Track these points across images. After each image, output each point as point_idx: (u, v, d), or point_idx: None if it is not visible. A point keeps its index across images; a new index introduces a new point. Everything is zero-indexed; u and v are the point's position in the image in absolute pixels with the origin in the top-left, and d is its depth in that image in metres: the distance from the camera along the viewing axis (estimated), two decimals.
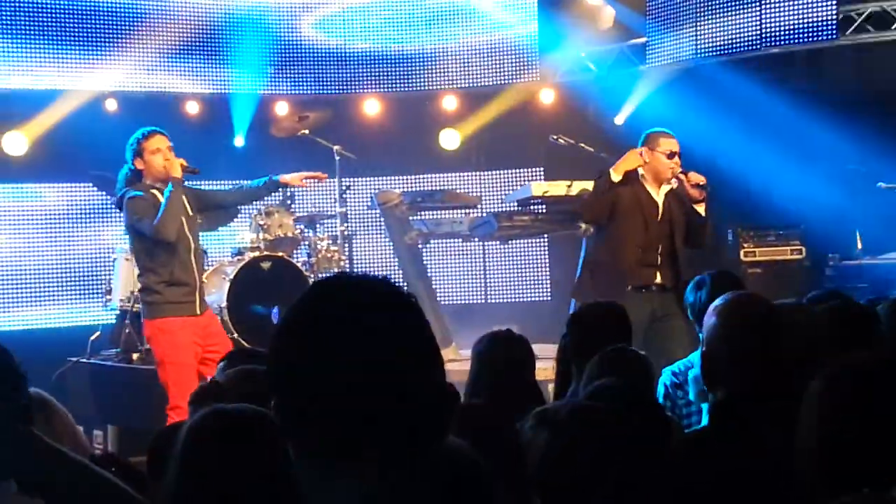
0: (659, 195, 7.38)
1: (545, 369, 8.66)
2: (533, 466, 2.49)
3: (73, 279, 11.13)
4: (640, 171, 7.41)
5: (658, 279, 7.23)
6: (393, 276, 11.08)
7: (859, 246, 9.42)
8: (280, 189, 8.07)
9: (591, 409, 2.68)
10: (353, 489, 1.54)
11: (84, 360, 9.27)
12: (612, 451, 2.58)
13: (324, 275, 9.55)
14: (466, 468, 1.62)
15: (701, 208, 7.30)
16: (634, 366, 4.02)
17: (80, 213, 11.34)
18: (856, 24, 10.56)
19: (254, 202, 8.58)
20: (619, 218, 7.30)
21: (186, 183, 7.28)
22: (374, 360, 1.54)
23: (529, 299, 12.22)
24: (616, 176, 7.26)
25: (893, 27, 10.51)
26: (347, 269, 9.66)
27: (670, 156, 7.31)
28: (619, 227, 7.30)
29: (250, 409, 2.71)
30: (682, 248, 7.35)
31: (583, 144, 9.24)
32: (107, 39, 11.31)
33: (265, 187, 7.73)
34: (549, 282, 12.38)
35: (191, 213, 7.19)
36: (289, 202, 9.74)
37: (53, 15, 11.15)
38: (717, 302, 3.37)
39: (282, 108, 11.77)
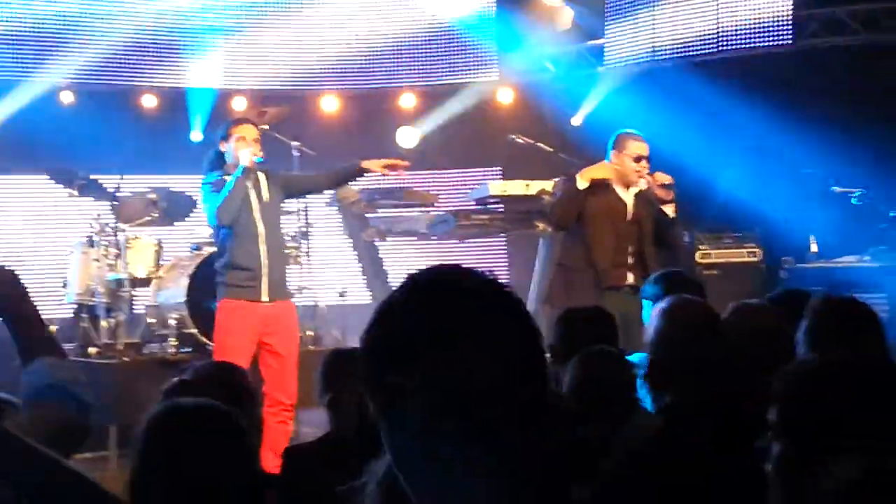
0: (628, 196, 7.39)
1: None
2: None
3: (27, 272, 11.02)
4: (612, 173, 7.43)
5: (630, 280, 7.25)
6: (351, 273, 11.07)
7: (814, 249, 9.52)
8: (363, 175, 8.10)
9: None
10: (478, 459, 1.58)
11: None
12: None
13: None
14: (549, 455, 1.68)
15: (669, 209, 7.33)
16: (615, 365, 4.04)
17: (35, 206, 11.23)
18: (811, 29, 10.68)
19: (339, 187, 8.73)
20: (588, 221, 7.30)
21: (269, 168, 7.41)
22: (504, 345, 1.59)
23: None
24: (583, 183, 7.25)
25: (847, 32, 10.64)
26: (304, 266, 9.66)
27: (637, 159, 7.32)
28: (590, 230, 7.29)
29: (209, 403, 2.72)
30: (652, 248, 7.38)
31: (541, 144, 9.28)
32: (63, 31, 11.22)
33: (351, 173, 7.88)
34: (506, 281, 12.41)
35: (267, 199, 7.23)
36: None
37: (9, 5, 11.05)
38: (661, 305, 3.39)
39: (240, 103, 11.73)
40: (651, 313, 3.43)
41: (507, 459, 1.60)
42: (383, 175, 8.02)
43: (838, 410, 2.28)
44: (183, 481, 2.51)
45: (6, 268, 2.94)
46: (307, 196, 8.87)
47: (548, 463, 1.64)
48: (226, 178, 7.14)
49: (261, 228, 7.17)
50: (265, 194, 7.25)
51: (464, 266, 1.70)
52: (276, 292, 7.19)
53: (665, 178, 7.28)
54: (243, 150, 7.12)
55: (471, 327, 1.59)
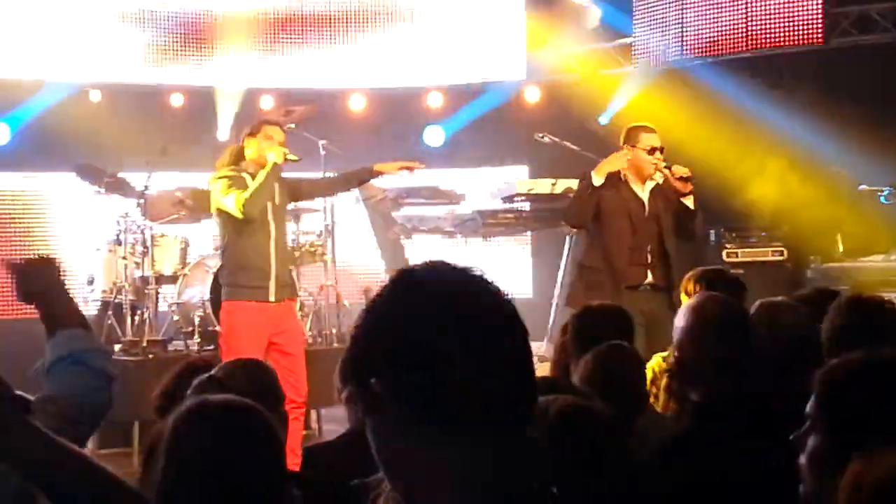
0: (644, 192, 7.26)
1: None
2: None
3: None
4: (624, 167, 7.32)
5: (649, 278, 7.13)
6: (376, 271, 11.08)
7: (840, 248, 9.46)
8: (376, 177, 8.18)
9: (580, 408, 2.68)
10: (463, 459, 1.57)
11: None
12: (597, 451, 2.58)
13: (307, 268, 9.58)
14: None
15: (689, 201, 7.17)
16: (629, 362, 4.02)
17: (63, 203, 11.30)
18: (841, 27, 10.61)
19: (350, 190, 8.65)
20: (604, 220, 7.20)
21: (283, 174, 7.38)
22: (487, 341, 1.58)
23: (512, 297, 12.20)
24: (598, 179, 7.14)
25: (878, 30, 10.57)
26: (330, 264, 9.66)
27: (651, 151, 7.18)
28: (606, 228, 7.19)
29: (237, 399, 2.72)
30: (674, 245, 7.26)
31: (568, 143, 9.25)
32: (93, 30, 11.28)
33: (364, 176, 7.90)
34: (532, 280, 12.40)
35: (277, 202, 7.23)
36: None
37: (40, 4, 11.12)
38: (689, 303, 3.37)
39: (267, 102, 11.76)
40: (678, 312, 3.40)
41: (487, 464, 1.57)
42: (397, 175, 8.01)
43: (881, 406, 2.27)
44: (212, 477, 2.50)
45: (47, 256, 2.93)
46: (315, 199, 8.84)
47: (529, 468, 1.61)
48: (243, 174, 7.10)
49: (272, 230, 7.17)
50: (277, 197, 7.23)
51: (452, 262, 1.68)
52: (282, 292, 7.19)
53: (683, 171, 7.13)
54: (275, 148, 7.12)
55: (448, 327, 1.57)
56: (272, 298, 7.10)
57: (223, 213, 7.12)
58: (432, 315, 1.58)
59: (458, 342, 1.56)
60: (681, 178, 7.10)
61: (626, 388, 3.71)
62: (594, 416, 2.62)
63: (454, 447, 1.56)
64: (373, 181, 9.46)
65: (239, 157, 7.26)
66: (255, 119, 7.88)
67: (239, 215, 7.01)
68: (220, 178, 7.13)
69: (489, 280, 1.66)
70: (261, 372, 3.81)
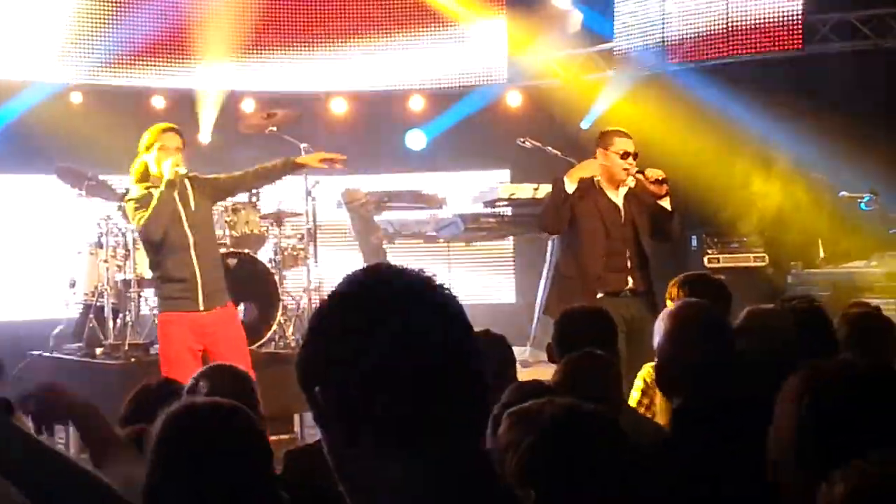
0: (618, 198, 7.19)
1: None
2: (518, 467, 2.50)
3: (35, 272, 11.06)
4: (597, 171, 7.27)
5: (629, 284, 7.10)
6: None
7: (821, 254, 9.50)
8: (297, 171, 8.04)
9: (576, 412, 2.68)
10: (407, 474, 1.54)
11: (46, 355, 9.21)
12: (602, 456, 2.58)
13: (289, 272, 9.57)
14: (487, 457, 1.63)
15: (666, 202, 7.10)
16: (600, 369, 4.04)
17: (44, 205, 11.25)
18: (821, 34, 10.67)
19: (270, 183, 8.44)
20: (578, 226, 7.12)
21: (194, 173, 7.27)
22: (424, 346, 1.54)
23: (494, 301, 12.24)
24: (570, 185, 7.06)
25: (857, 37, 10.63)
26: (312, 268, 9.65)
27: (624, 156, 7.10)
28: (581, 236, 7.11)
29: (224, 402, 2.72)
30: (649, 244, 7.24)
31: (550, 147, 9.26)
32: (74, 32, 11.25)
33: (281, 169, 7.69)
34: (514, 284, 12.42)
35: (194, 209, 7.14)
36: (255, 199, 9.71)
37: (20, 5, 11.08)
38: (669, 309, 3.38)
39: (248, 105, 11.75)
40: (658, 318, 3.41)
41: (431, 478, 1.54)
42: (320, 168, 7.93)
43: (853, 415, 2.29)
44: (201, 479, 2.51)
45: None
46: (237, 195, 8.54)
47: (472, 474, 1.57)
48: (153, 190, 6.99)
49: (191, 238, 7.06)
50: (192, 203, 7.13)
51: (397, 267, 1.65)
52: (211, 300, 7.12)
53: (656, 173, 7.05)
54: (165, 161, 6.96)
55: (380, 338, 1.54)
56: (201, 308, 7.05)
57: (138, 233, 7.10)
58: (364, 326, 1.55)
59: (389, 353, 1.53)
60: (655, 181, 7.05)
61: (596, 395, 3.72)
62: (589, 418, 2.62)
63: (392, 460, 1.53)
64: (359, 187, 9.52)
65: (146, 172, 7.12)
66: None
67: (143, 238, 7.02)
68: (129, 199, 7.07)
69: (436, 285, 1.62)
70: (239, 377, 3.82)
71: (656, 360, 3.39)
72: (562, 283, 7.27)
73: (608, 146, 7.16)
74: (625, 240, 7.12)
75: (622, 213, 7.17)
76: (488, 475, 1.59)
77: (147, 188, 7.03)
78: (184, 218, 7.05)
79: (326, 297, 1.63)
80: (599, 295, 6.96)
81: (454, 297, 1.63)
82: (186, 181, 7.16)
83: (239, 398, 3.33)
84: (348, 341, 1.55)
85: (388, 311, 1.55)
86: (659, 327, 3.34)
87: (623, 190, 7.18)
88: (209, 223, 7.43)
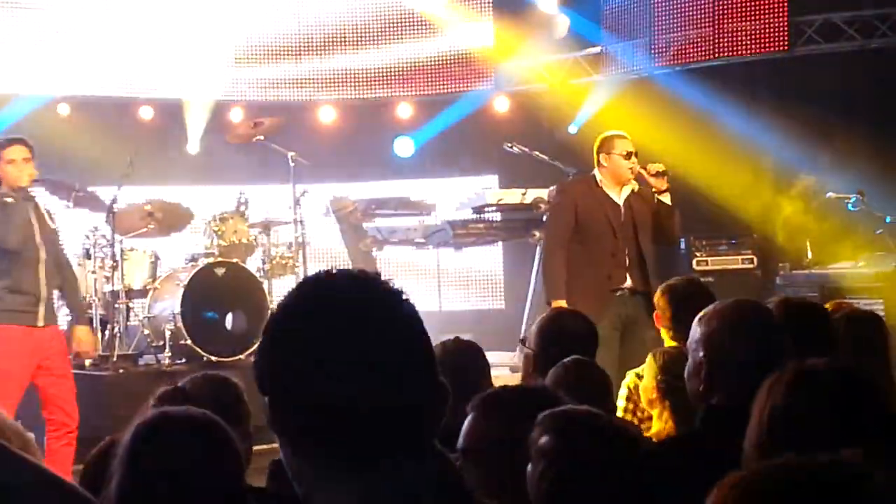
0: (620, 198, 7.30)
1: (498, 377, 8.68)
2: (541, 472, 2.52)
3: None
4: (599, 176, 7.38)
5: (628, 282, 7.20)
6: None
7: (809, 255, 9.52)
8: None
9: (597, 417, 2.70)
10: (352, 487, 1.50)
11: None
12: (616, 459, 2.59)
13: (278, 281, 9.56)
14: (451, 467, 1.61)
15: (666, 197, 7.26)
16: (594, 377, 4.03)
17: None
18: (806, 35, 10.69)
19: None
20: (585, 226, 7.24)
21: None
22: (372, 357, 1.51)
23: (484, 307, 12.24)
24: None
25: (842, 38, 10.66)
26: (301, 276, 9.64)
27: (627, 156, 7.24)
28: (589, 235, 7.25)
29: (197, 411, 2.71)
30: (650, 249, 7.32)
31: (537, 152, 9.28)
32: (61, 43, 11.25)
33: None
34: (502, 290, 12.42)
35: (44, 225, 7.10)
36: (243, 208, 9.70)
37: (6, 18, 11.08)
38: (715, 308, 3.36)
39: (236, 115, 11.75)
40: (699, 318, 3.37)
41: (374, 491, 1.50)
42: None
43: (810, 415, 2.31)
44: (170, 488, 2.48)
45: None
46: None
47: (416, 494, 1.52)
48: (6, 201, 6.93)
49: (42, 254, 7.02)
50: (48, 221, 7.12)
51: (351, 273, 1.61)
52: (49, 317, 7.07)
53: (657, 167, 7.23)
54: (17, 172, 6.94)
55: (318, 351, 1.50)
56: (40, 323, 6.98)
57: None
58: (301, 343, 1.53)
59: (330, 367, 1.50)
60: (656, 174, 7.19)
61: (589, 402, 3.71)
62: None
63: (333, 477, 1.51)
64: (347, 195, 9.49)
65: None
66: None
67: (2, 247, 6.91)
68: None
69: (389, 294, 1.57)
70: (227, 387, 3.80)
71: (699, 357, 3.34)
72: (572, 281, 7.33)
73: (611, 150, 7.29)
74: (625, 239, 7.23)
75: (622, 212, 7.27)
76: (447, 485, 1.55)
77: (1, 198, 6.95)
78: (37, 233, 7.00)
79: (276, 307, 1.61)
80: (604, 293, 7.05)
81: (404, 306, 1.58)
82: (39, 202, 7.14)
83: (226, 407, 3.32)
84: (288, 358, 1.54)
85: (328, 327, 1.52)
86: (701, 328, 3.31)
87: (626, 191, 7.30)
88: (59, 241, 7.35)
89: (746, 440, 2.50)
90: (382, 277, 1.61)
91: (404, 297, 1.59)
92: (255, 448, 3.61)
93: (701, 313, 3.34)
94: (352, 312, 1.53)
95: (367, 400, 1.48)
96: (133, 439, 2.58)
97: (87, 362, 8.80)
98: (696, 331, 3.30)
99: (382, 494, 1.49)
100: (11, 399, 6.64)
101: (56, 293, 7.29)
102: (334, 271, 1.62)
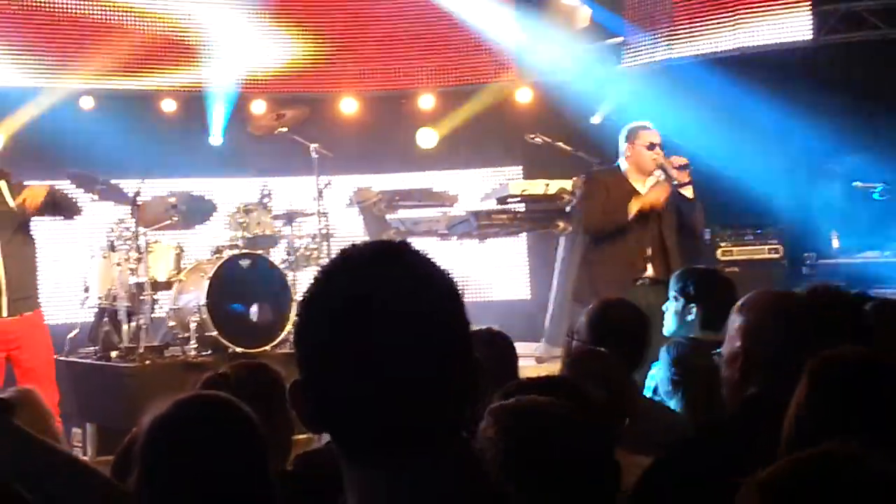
0: (644, 188, 7.40)
1: (525, 367, 8.68)
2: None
3: (50, 277, 11.06)
4: (625, 166, 7.45)
5: (649, 272, 7.26)
6: None
7: (836, 245, 9.47)
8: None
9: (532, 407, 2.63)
10: (377, 476, 1.47)
11: (62, 358, 9.21)
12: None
13: (302, 272, 9.57)
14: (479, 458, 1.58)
15: (688, 191, 7.32)
16: (612, 369, 4.01)
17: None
18: (830, 24, 10.63)
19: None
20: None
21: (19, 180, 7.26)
22: (413, 345, 1.44)
23: (508, 298, 12.22)
24: (632, 213, 7.26)
25: (867, 27, 10.59)
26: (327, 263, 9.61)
27: (650, 147, 7.35)
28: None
29: (221, 396, 2.70)
30: (673, 241, 7.36)
31: (560, 143, 9.26)
32: (83, 37, 11.27)
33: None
34: (527, 280, 12.40)
35: (10, 206, 7.06)
36: (267, 200, 9.71)
37: (29, 12, 11.11)
38: (754, 298, 3.35)
39: (258, 107, 11.75)
40: (737, 307, 3.36)
41: (397, 482, 1.46)
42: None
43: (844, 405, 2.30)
44: (188, 473, 2.48)
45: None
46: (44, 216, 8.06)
47: (451, 483, 1.47)
48: None
49: None
50: (9, 203, 7.06)
51: (380, 245, 1.53)
52: (17, 306, 7.00)
53: (680, 160, 7.32)
54: None
55: (335, 342, 1.44)
56: (4, 314, 6.94)
57: None
58: (319, 329, 1.48)
59: (342, 360, 1.44)
60: (679, 167, 7.23)
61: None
62: (546, 417, 2.57)
63: (362, 468, 1.47)
64: (370, 186, 9.47)
65: None
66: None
67: None
68: None
69: (425, 267, 1.50)
70: (268, 375, 3.82)
71: (736, 346, 3.32)
72: (593, 269, 7.39)
73: (634, 140, 7.43)
74: (648, 229, 7.28)
75: None
76: (468, 480, 1.49)
77: None
78: None
79: (306, 292, 1.54)
80: (631, 282, 7.07)
81: (449, 281, 1.51)
82: (3, 182, 7.08)
83: (267, 394, 3.33)
84: (302, 349, 1.51)
85: (357, 319, 1.44)
86: (739, 317, 3.31)
87: (650, 181, 7.35)
88: (22, 225, 7.28)
89: (783, 431, 2.49)
90: (419, 249, 1.53)
91: (444, 271, 1.52)
92: (297, 437, 3.62)
93: (739, 303, 3.34)
94: (380, 287, 1.46)
95: (393, 382, 1.42)
96: (152, 424, 2.58)
97: (114, 354, 8.83)
98: (734, 320, 3.29)
99: (405, 485, 1.45)
100: None
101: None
102: (372, 242, 1.55)
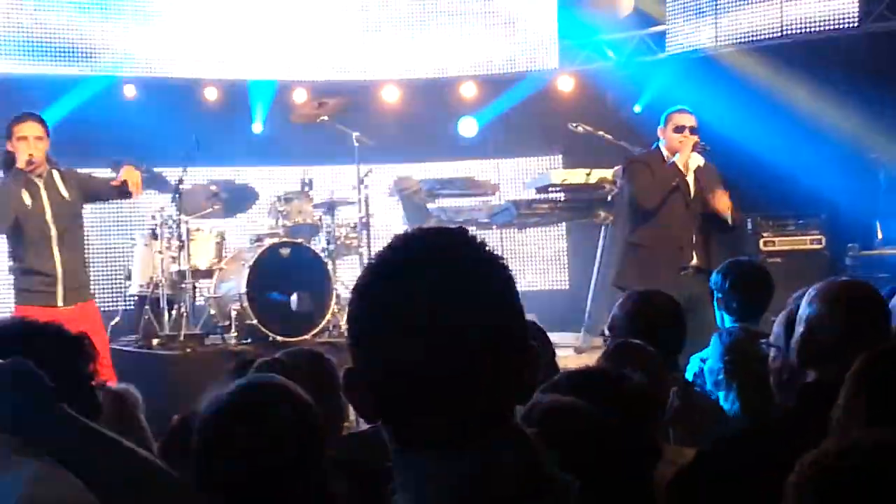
0: (689, 174, 7.40)
1: (563, 358, 8.66)
2: None
3: (92, 265, 11.15)
4: (662, 148, 7.48)
5: (694, 260, 7.26)
6: None
7: (879, 236, 9.38)
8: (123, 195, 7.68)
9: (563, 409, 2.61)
10: (424, 464, 1.46)
11: None
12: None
13: (342, 261, 9.59)
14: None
15: (728, 217, 7.33)
16: (645, 362, 3.99)
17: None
18: (877, 12, 10.50)
19: (107, 202, 8.40)
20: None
21: (67, 167, 7.31)
22: (471, 334, 1.42)
23: (548, 288, 12.19)
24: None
25: None
26: (366, 256, 9.65)
27: (677, 129, 7.42)
28: (662, 207, 7.32)
29: (282, 381, 2.71)
30: (710, 231, 7.40)
31: (602, 132, 9.23)
32: (126, 24, 11.33)
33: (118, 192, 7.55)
34: (567, 270, 12.37)
35: (60, 201, 7.10)
36: (307, 189, 9.73)
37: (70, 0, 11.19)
38: (821, 287, 3.34)
39: (300, 95, 11.76)
40: (806, 297, 3.35)
41: (443, 469, 1.45)
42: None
43: None
44: (247, 458, 2.49)
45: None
46: (97, 202, 8.28)
47: (508, 467, 1.46)
48: (10, 181, 6.98)
49: (53, 231, 6.99)
50: (63, 194, 7.08)
51: (440, 231, 1.51)
52: (72, 296, 7.03)
53: (723, 203, 7.33)
54: (22, 151, 6.97)
55: (392, 335, 1.43)
56: (60, 303, 6.95)
57: None
58: (381, 299, 1.45)
59: (404, 330, 1.42)
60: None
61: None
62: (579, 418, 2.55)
63: (416, 453, 1.46)
64: (410, 174, 9.48)
65: (11, 160, 7.08)
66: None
67: None
68: None
69: (480, 254, 1.48)
70: (321, 361, 3.85)
71: (804, 334, 3.30)
72: (639, 253, 7.38)
73: (666, 124, 7.43)
74: (692, 215, 7.29)
75: (691, 188, 7.32)
76: (523, 465, 1.48)
77: (16, 175, 7.01)
78: (48, 210, 6.97)
79: (362, 274, 1.51)
80: (676, 269, 7.05)
81: (504, 267, 1.50)
82: (56, 173, 7.11)
83: (320, 380, 3.36)
84: (364, 320, 1.47)
85: (416, 302, 1.42)
86: (809, 306, 3.29)
87: (693, 164, 7.36)
88: (77, 217, 7.33)
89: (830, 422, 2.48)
90: (478, 238, 1.51)
91: (499, 260, 1.50)
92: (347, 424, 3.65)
93: (810, 291, 3.32)
94: (437, 272, 1.45)
95: (440, 366, 1.41)
96: (209, 412, 2.59)
97: (155, 342, 8.88)
98: (803, 309, 3.28)
99: (461, 469, 1.44)
100: None
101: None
102: (428, 229, 1.53)
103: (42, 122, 7.16)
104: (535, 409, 2.45)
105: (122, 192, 7.54)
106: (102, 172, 9.06)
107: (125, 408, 3.80)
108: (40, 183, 7.08)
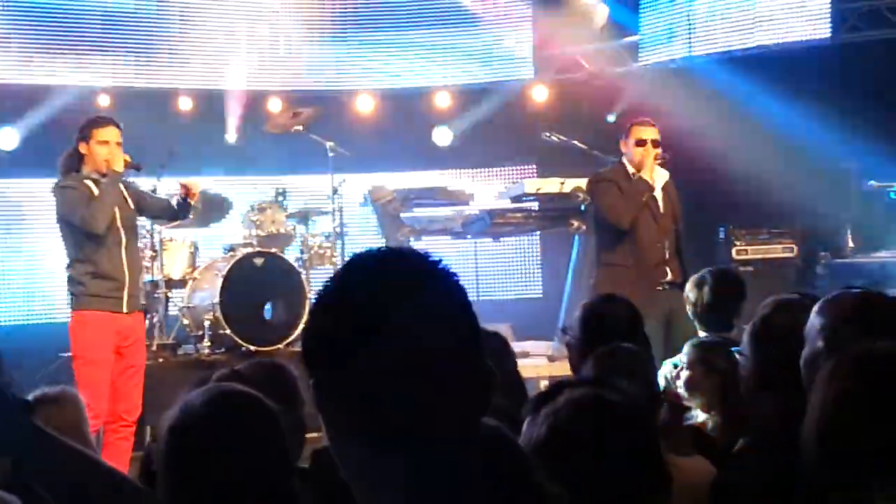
0: (657, 189, 7.36)
1: (536, 366, 8.68)
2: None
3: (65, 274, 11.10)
4: (625, 161, 7.43)
5: (668, 275, 7.20)
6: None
7: (850, 244, 9.43)
8: (186, 204, 7.58)
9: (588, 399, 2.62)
10: (397, 470, 1.47)
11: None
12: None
13: (316, 271, 9.58)
14: (505, 445, 1.58)
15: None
16: (635, 364, 3.99)
17: None
18: (850, 23, 10.57)
19: (170, 220, 8.27)
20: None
21: (131, 180, 7.29)
22: (425, 337, 1.46)
23: (521, 296, 12.21)
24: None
25: (886, 25, 10.53)
26: (339, 266, 9.63)
27: (637, 143, 7.32)
28: (635, 226, 7.25)
29: (245, 391, 2.70)
30: (684, 239, 7.37)
31: (576, 142, 9.25)
32: (100, 35, 11.31)
33: (178, 207, 7.52)
34: (540, 279, 12.39)
35: (131, 207, 7.10)
36: (281, 198, 9.73)
37: (46, 10, 11.15)
38: (832, 299, 3.33)
39: (275, 105, 11.76)
40: (820, 304, 3.35)
41: (418, 474, 1.46)
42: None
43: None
44: (211, 464, 2.49)
45: None
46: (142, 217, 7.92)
47: (467, 479, 1.48)
48: (87, 183, 6.88)
49: (123, 237, 6.96)
50: (129, 202, 7.07)
51: (400, 250, 1.56)
52: (133, 303, 7.02)
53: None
54: (115, 154, 6.90)
55: (364, 330, 1.45)
56: (125, 309, 6.93)
57: (69, 224, 6.94)
58: (344, 314, 1.48)
59: (394, 341, 1.45)
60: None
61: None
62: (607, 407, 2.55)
63: (379, 457, 1.47)
64: (385, 184, 9.49)
65: (79, 161, 7.01)
66: (90, 118, 7.43)
67: (87, 230, 6.82)
68: (62, 187, 6.95)
69: (444, 273, 1.52)
70: (282, 373, 3.82)
71: (817, 346, 3.30)
72: (613, 273, 7.28)
73: (628, 136, 7.36)
74: (665, 231, 7.24)
75: (661, 204, 7.27)
76: (495, 464, 1.52)
77: (78, 180, 6.93)
78: (118, 217, 6.95)
79: (334, 275, 1.55)
80: (653, 287, 7.04)
81: (459, 283, 1.53)
82: (120, 183, 7.09)
83: (281, 392, 3.34)
84: (328, 333, 1.49)
85: (396, 295, 1.47)
86: (818, 318, 3.28)
87: (660, 180, 7.31)
88: (136, 227, 7.35)
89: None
90: (431, 255, 1.55)
91: (453, 276, 1.53)
92: (309, 436, 3.63)
93: (820, 303, 3.31)
94: (395, 288, 1.48)
95: (409, 378, 1.44)
96: (176, 417, 2.58)
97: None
98: (815, 320, 3.26)
99: (426, 477, 1.46)
100: (102, 387, 6.63)
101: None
102: (382, 248, 1.57)
103: (120, 128, 7.11)
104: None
105: (173, 211, 7.51)
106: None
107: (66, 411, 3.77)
108: (118, 189, 7.04)
